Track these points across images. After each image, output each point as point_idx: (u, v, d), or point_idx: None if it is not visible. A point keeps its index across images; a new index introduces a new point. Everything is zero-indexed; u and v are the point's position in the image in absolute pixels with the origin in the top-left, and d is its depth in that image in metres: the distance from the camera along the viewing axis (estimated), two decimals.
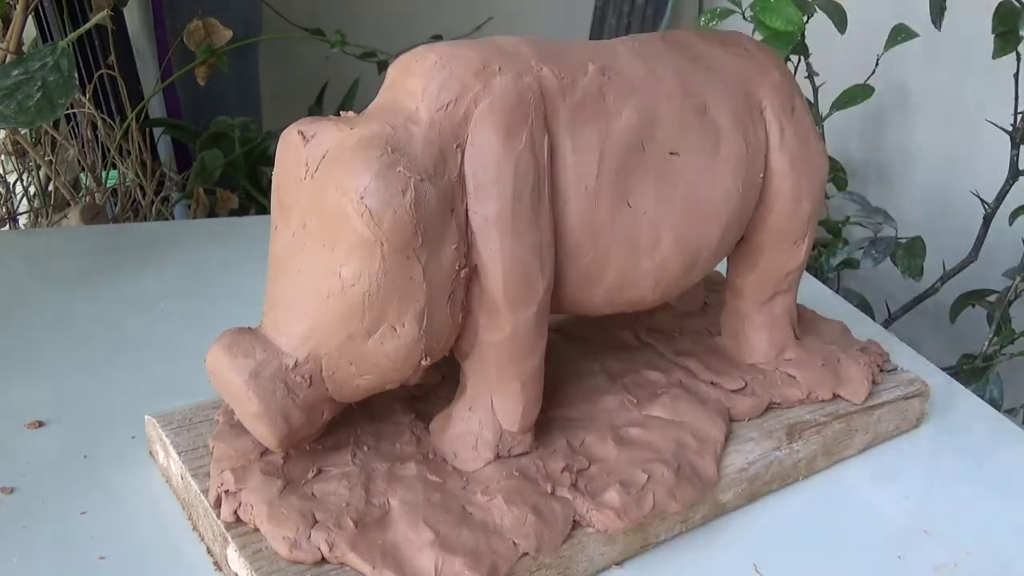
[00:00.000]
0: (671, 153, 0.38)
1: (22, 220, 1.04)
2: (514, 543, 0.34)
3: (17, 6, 0.77)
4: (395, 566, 0.32)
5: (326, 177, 0.32)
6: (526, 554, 0.34)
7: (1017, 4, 0.75)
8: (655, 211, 0.37)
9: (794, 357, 0.46)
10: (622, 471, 0.37)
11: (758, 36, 0.80)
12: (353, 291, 0.32)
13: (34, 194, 1.04)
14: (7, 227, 1.02)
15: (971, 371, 0.85)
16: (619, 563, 0.37)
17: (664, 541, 0.38)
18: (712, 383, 0.44)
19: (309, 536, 0.33)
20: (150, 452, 0.41)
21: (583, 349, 0.46)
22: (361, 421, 0.39)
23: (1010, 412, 0.83)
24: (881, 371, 0.47)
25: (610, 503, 0.35)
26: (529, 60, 0.35)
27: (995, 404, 0.81)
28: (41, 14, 1.04)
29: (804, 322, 0.50)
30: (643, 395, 0.42)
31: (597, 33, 1.41)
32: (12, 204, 1.03)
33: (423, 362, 0.34)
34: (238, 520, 0.34)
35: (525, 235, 0.34)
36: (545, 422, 0.40)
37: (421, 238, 0.31)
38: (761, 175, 0.41)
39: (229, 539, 0.34)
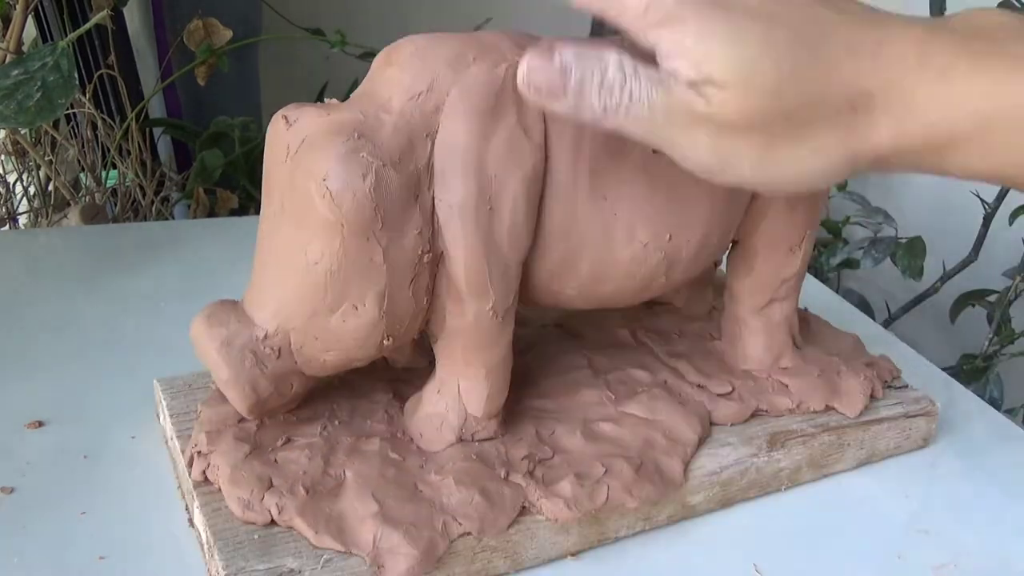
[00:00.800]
0: (654, 150, 0.37)
1: (22, 220, 1.05)
2: (457, 522, 0.34)
3: (17, 6, 0.77)
4: (336, 533, 0.33)
5: (299, 160, 0.33)
6: (468, 534, 0.34)
7: (1017, 4, 0.75)
8: (632, 207, 0.37)
9: (790, 365, 0.45)
10: (582, 463, 0.38)
11: None
12: (316, 269, 0.34)
13: (34, 194, 1.04)
14: (7, 227, 1.02)
15: (971, 371, 0.85)
16: (574, 554, 0.37)
17: (627, 537, 0.39)
18: (698, 385, 0.44)
19: (262, 499, 0.35)
20: (156, 415, 0.43)
21: (577, 344, 0.47)
22: (340, 397, 0.41)
23: (1010, 412, 0.84)
24: (888, 386, 0.46)
25: (561, 492, 0.36)
26: (507, 52, 0.36)
27: (995, 404, 0.81)
28: (41, 14, 1.04)
29: (813, 332, 0.49)
30: (623, 392, 0.43)
31: (597, 33, 1.41)
32: (12, 204, 1.03)
33: (385, 342, 0.35)
34: (206, 480, 0.36)
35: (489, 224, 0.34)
36: (520, 411, 0.41)
37: (381, 221, 0.33)
38: None
39: (195, 497, 0.36)
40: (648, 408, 0.41)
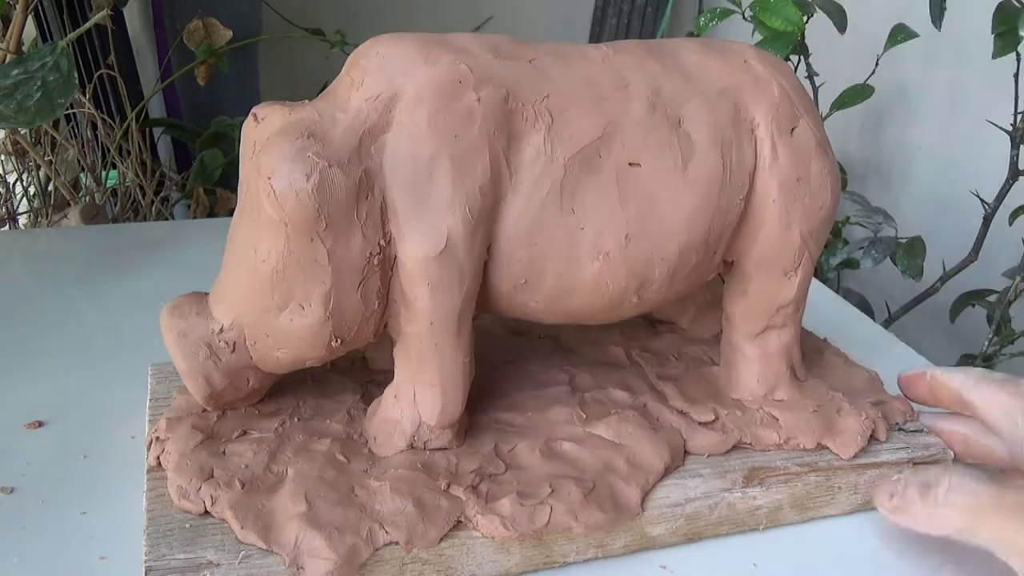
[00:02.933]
0: (631, 164, 0.36)
1: (22, 220, 1.05)
2: (384, 530, 0.34)
3: (17, 6, 0.77)
4: (261, 530, 0.33)
5: (256, 158, 0.33)
6: (396, 543, 0.34)
7: (1017, 4, 0.75)
8: (601, 221, 0.36)
9: (786, 398, 0.42)
10: (531, 482, 0.36)
11: (758, 36, 0.80)
12: (264, 267, 0.34)
13: (34, 194, 1.04)
14: (7, 227, 1.02)
15: None
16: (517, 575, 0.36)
17: (577, 563, 0.37)
18: (680, 411, 0.41)
19: (199, 489, 0.35)
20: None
21: (565, 359, 0.46)
22: (308, 394, 0.41)
23: None
24: (900, 429, 0.43)
25: (500, 510, 0.35)
26: (477, 58, 0.35)
27: None
28: (41, 14, 1.04)
29: (827, 364, 0.46)
30: (596, 412, 0.41)
31: (597, 33, 1.41)
32: (12, 204, 1.03)
33: (334, 344, 0.35)
34: (159, 465, 0.37)
35: (429, 223, 0.34)
36: (486, 423, 0.40)
37: (325, 222, 0.33)
38: (742, 197, 0.39)
39: (145, 481, 0.36)
40: (616, 431, 0.39)
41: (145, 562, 0.32)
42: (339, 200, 0.33)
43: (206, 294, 0.38)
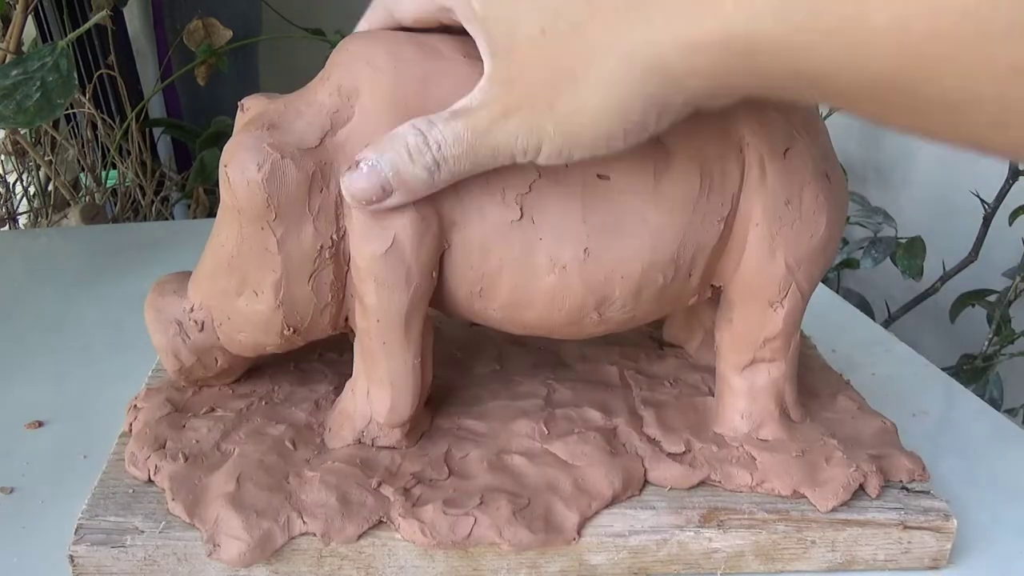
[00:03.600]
0: (599, 176, 0.35)
1: (22, 220, 1.05)
2: (302, 520, 0.34)
3: (17, 6, 0.77)
4: (190, 504, 0.34)
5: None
6: (312, 534, 0.34)
7: None
8: (559, 233, 0.34)
9: (771, 438, 0.39)
10: (465, 492, 0.35)
11: None
12: (222, 251, 0.35)
13: (34, 194, 1.04)
14: (7, 227, 1.02)
15: (971, 371, 0.85)
16: None
17: None
18: (651, 439, 0.39)
19: (148, 458, 0.36)
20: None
21: (553, 374, 0.44)
22: (286, 381, 0.42)
23: (1010, 412, 0.84)
24: (902, 488, 0.39)
25: (422, 516, 0.34)
26: (444, 58, 0.34)
27: (995, 404, 0.81)
28: (41, 14, 1.04)
29: (840, 408, 0.43)
30: (559, 429, 0.39)
31: None
32: (12, 204, 1.03)
33: (286, 332, 0.36)
34: (130, 431, 0.38)
35: (378, 223, 0.34)
36: (448, 428, 0.39)
37: (275, 212, 0.33)
38: (722, 218, 0.36)
39: (113, 445, 0.38)
40: (571, 451, 0.38)
41: (79, 519, 0.34)
42: (290, 191, 0.33)
43: (186, 273, 0.39)
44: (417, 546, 0.34)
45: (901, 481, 0.39)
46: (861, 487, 0.38)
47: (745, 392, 0.39)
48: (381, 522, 0.34)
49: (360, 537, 0.34)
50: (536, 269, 0.35)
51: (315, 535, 0.34)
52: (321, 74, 0.36)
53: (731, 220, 0.36)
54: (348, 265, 0.35)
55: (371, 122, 0.34)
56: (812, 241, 0.37)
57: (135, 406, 0.39)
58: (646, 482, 0.38)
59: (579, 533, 0.35)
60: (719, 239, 0.36)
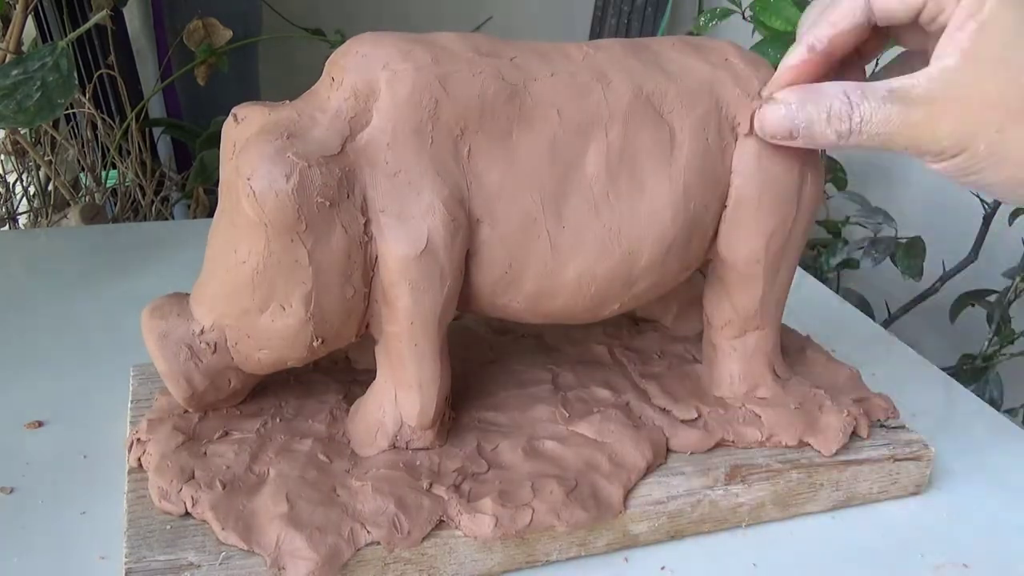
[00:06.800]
0: (614, 161, 0.36)
1: (22, 220, 1.05)
2: (366, 530, 0.34)
3: (17, 6, 0.77)
4: (243, 531, 0.33)
5: (236, 158, 0.33)
6: (377, 543, 0.34)
7: None
8: (581, 220, 0.36)
9: (768, 396, 0.42)
10: (513, 481, 0.36)
11: (758, 36, 0.80)
12: (244, 268, 0.34)
13: (34, 194, 1.04)
14: (7, 227, 1.02)
15: (971, 371, 0.85)
16: (498, 575, 0.36)
17: (559, 561, 0.37)
18: (663, 409, 0.41)
19: (180, 490, 0.34)
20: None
21: (549, 358, 0.45)
22: (290, 395, 0.41)
23: (1010, 412, 0.84)
24: (881, 426, 0.43)
25: (483, 510, 0.35)
26: (458, 56, 0.35)
27: (995, 404, 0.81)
28: (41, 14, 1.04)
29: (808, 361, 0.47)
30: (578, 411, 0.41)
31: (597, 33, 1.41)
32: (12, 204, 1.03)
33: (315, 344, 0.35)
34: (140, 467, 0.37)
35: (411, 224, 0.34)
36: (468, 422, 0.40)
37: (305, 223, 0.32)
38: (719, 195, 0.39)
39: (126, 483, 0.36)
40: (598, 429, 0.39)
41: (125, 564, 0.32)
42: (318, 200, 0.33)
43: (187, 295, 0.37)
44: (476, 541, 0.35)
45: (879, 420, 0.43)
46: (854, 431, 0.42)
47: (739, 357, 0.42)
48: (441, 522, 0.35)
49: (423, 540, 0.34)
50: (561, 258, 0.36)
51: (379, 543, 0.34)
52: (326, 78, 0.35)
53: (726, 197, 0.39)
54: (373, 271, 0.35)
55: (391, 124, 0.34)
56: (799, 218, 0.40)
57: (138, 440, 0.37)
58: (668, 450, 0.40)
59: (624, 505, 0.37)
60: (717, 213, 0.39)
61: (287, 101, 0.35)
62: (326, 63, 0.36)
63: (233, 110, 0.35)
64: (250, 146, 0.33)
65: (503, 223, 0.35)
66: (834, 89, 0.34)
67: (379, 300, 0.35)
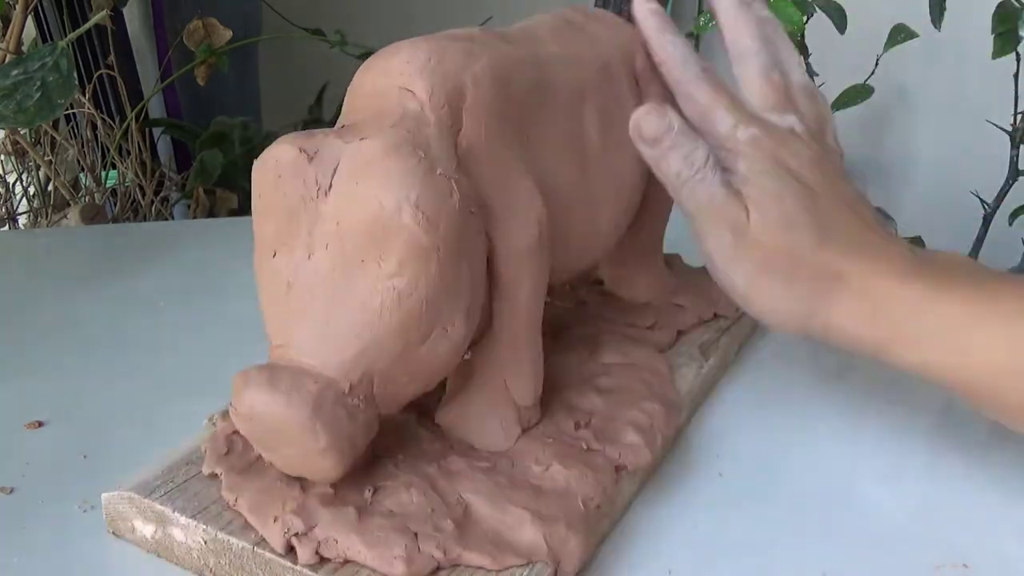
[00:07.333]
0: (604, 114, 0.41)
1: (22, 220, 1.05)
2: (582, 500, 0.35)
3: (17, 6, 0.77)
4: (512, 551, 0.32)
5: (355, 191, 0.31)
6: (598, 506, 0.35)
7: (1017, 4, 0.75)
8: (599, 176, 0.41)
9: (677, 290, 0.52)
10: (620, 415, 0.40)
11: None
12: (411, 301, 0.31)
13: (34, 194, 1.04)
14: (7, 227, 1.02)
15: None
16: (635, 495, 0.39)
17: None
18: (629, 324, 0.49)
19: (419, 548, 0.31)
20: (113, 532, 0.36)
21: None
22: (374, 441, 0.37)
23: None
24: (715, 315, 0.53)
25: (633, 443, 0.38)
26: (502, 50, 0.36)
27: None
28: (41, 14, 1.04)
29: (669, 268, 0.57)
30: (589, 346, 0.46)
31: None
32: (12, 204, 1.03)
33: (465, 356, 0.36)
34: (321, 559, 0.32)
35: (522, 216, 0.36)
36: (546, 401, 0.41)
37: (464, 238, 0.32)
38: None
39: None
40: (620, 353, 0.45)
41: None
42: (467, 211, 0.32)
43: (277, 364, 0.32)
44: (630, 472, 0.38)
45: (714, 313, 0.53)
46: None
47: (654, 268, 0.53)
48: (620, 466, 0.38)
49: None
50: (595, 215, 0.41)
51: (599, 506, 0.35)
52: (399, 87, 0.34)
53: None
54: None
55: (482, 124, 0.35)
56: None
57: (296, 535, 0.32)
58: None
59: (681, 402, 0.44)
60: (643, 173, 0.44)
61: (334, 127, 0.33)
62: (375, 74, 0.34)
63: (295, 145, 0.32)
64: (392, 172, 0.30)
65: (554, 197, 0.37)
66: (706, 147, 0.38)
67: (489, 295, 0.35)
